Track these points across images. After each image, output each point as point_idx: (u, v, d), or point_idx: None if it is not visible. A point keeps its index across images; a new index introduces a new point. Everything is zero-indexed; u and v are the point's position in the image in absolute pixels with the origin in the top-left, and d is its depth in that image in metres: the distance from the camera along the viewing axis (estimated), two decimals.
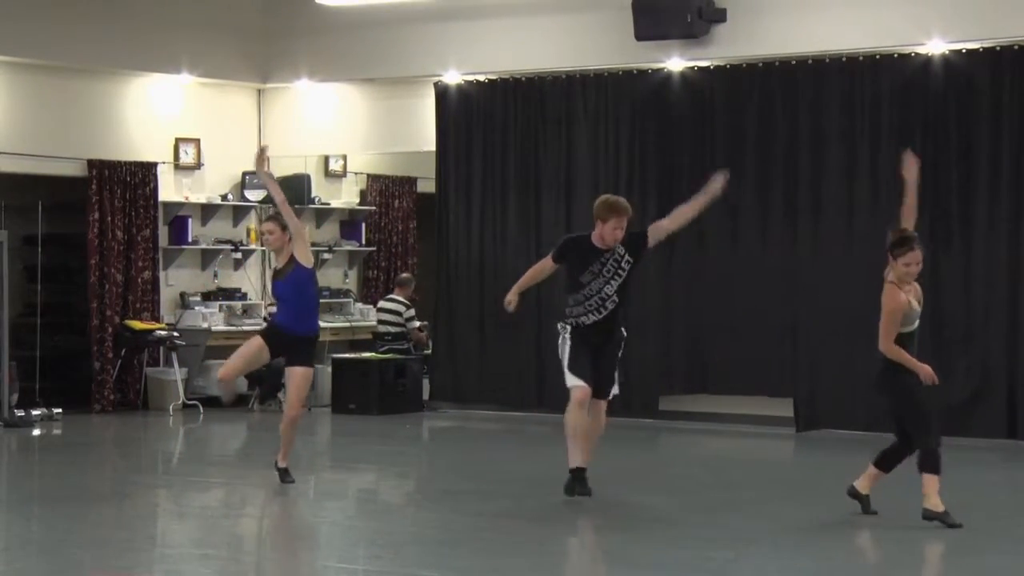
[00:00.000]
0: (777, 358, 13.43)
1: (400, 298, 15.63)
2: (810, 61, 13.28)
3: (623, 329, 9.57)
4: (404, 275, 16.25)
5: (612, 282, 9.29)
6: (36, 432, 13.51)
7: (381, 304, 15.85)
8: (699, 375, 13.88)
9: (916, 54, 12.87)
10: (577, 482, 9.25)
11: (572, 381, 9.25)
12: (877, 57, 13.03)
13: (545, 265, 9.66)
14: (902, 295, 8.37)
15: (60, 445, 13.21)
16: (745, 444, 12.97)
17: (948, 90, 12.80)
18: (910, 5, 12.65)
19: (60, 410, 14.09)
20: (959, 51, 12.70)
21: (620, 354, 9.56)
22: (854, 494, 8.75)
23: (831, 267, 13.17)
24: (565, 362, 9.30)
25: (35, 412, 13.84)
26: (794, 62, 13.34)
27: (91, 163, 14.72)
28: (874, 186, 13.09)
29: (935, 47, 12.73)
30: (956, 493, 8.76)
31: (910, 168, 8.57)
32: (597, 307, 9.31)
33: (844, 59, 13.16)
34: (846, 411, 13.06)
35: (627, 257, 9.35)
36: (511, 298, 9.54)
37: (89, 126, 14.76)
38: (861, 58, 13.09)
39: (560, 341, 9.42)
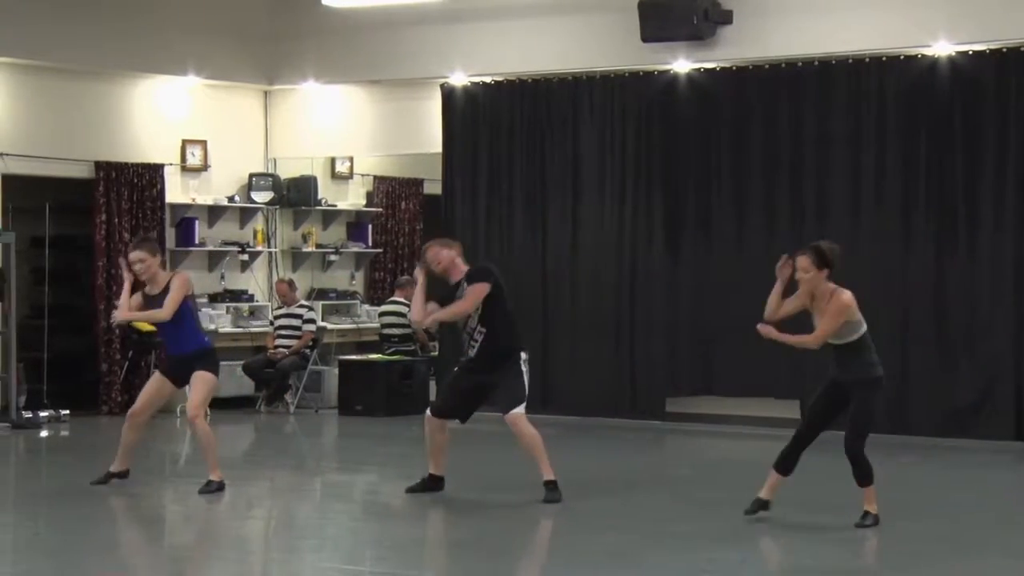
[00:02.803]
0: (784, 360, 13.41)
1: (402, 299, 15.63)
2: (816, 63, 13.28)
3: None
4: (403, 277, 16.26)
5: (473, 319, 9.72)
6: (43, 433, 13.54)
7: (384, 307, 15.85)
8: (705, 377, 13.87)
9: (922, 56, 12.86)
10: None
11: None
12: (883, 59, 13.02)
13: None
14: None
15: (67, 446, 13.24)
16: (751, 446, 12.95)
17: (954, 92, 12.79)
18: (916, 7, 12.65)
19: (67, 412, 14.11)
20: (965, 53, 12.69)
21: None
22: (761, 505, 8.73)
23: (836, 267, 13.12)
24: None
25: (42, 414, 13.86)
26: (800, 64, 13.34)
27: (98, 165, 14.75)
28: (880, 187, 13.09)
29: (941, 49, 12.72)
30: (964, 494, 8.77)
31: (783, 270, 8.65)
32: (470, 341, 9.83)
33: (850, 61, 13.16)
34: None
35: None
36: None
37: (96, 128, 14.79)
38: (867, 60, 13.09)
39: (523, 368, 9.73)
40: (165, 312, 9.68)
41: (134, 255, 9.76)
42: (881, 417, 12.88)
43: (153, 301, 9.77)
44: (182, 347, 9.86)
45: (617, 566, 7.86)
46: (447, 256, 9.72)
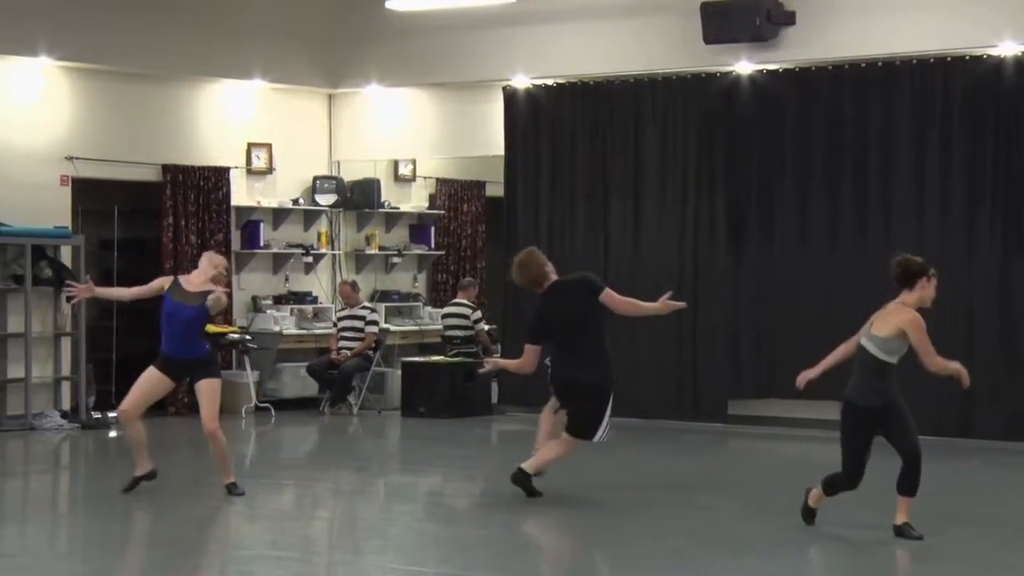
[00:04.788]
0: (846, 362, 13.34)
1: (465, 301, 15.70)
2: (880, 64, 13.20)
3: None
4: (466, 279, 16.34)
5: None
6: (112, 434, 13.72)
7: (447, 309, 15.92)
8: (768, 379, 13.82)
9: (988, 56, 12.75)
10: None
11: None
12: (948, 59, 12.93)
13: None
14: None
15: None
16: (812, 448, 12.89)
17: (1020, 92, 12.67)
18: (981, 7, 12.54)
19: None
20: None
21: None
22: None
23: None
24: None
25: (111, 414, 14.00)
26: (864, 65, 13.27)
27: (165, 168, 14.93)
28: (944, 190, 13.00)
29: (1007, 49, 12.61)
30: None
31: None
32: None
33: (915, 62, 13.07)
34: (915, 415, 12.93)
35: None
36: None
37: (163, 132, 14.98)
38: (932, 60, 13.00)
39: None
40: (127, 294, 10.10)
41: (224, 261, 10.11)
42: (945, 421, 12.89)
43: (187, 297, 9.68)
44: (186, 353, 9.74)
45: (677, 568, 7.87)
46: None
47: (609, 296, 9.60)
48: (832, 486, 8.47)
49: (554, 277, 9.79)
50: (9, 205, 13.69)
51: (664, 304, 9.74)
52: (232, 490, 9.89)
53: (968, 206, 12.96)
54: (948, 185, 12.99)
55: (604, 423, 9.59)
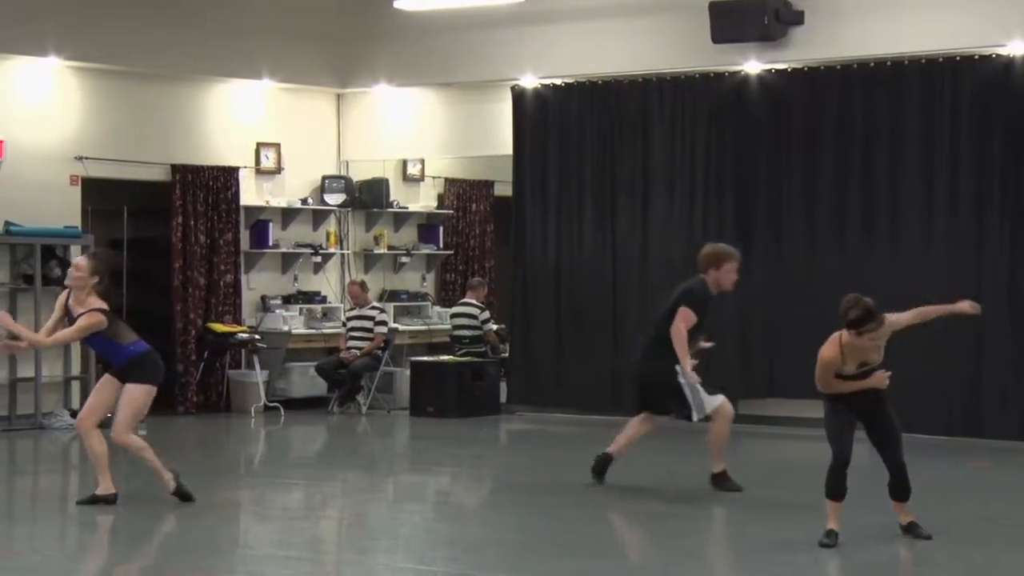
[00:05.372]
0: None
1: (474, 301, 15.72)
2: (888, 63, 13.20)
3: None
4: (475, 278, 16.36)
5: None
6: None
7: (456, 309, 15.94)
8: (777, 379, 13.81)
9: (997, 55, 12.74)
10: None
11: (714, 401, 9.93)
12: (957, 59, 12.92)
13: (690, 321, 9.87)
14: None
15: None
16: (822, 449, 12.89)
17: None
18: (990, 6, 12.53)
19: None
20: None
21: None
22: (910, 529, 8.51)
23: (909, 269, 13.07)
24: (701, 391, 9.83)
25: None
26: (872, 64, 13.27)
27: (174, 168, 14.96)
28: (953, 188, 12.99)
29: (1016, 48, 12.59)
30: None
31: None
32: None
33: (923, 61, 13.06)
34: (925, 415, 12.95)
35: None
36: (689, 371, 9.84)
37: (172, 131, 15.01)
38: (940, 60, 12.99)
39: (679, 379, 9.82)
40: (46, 341, 9.44)
41: (77, 260, 9.48)
42: (955, 420, 12.88)
43: (72, 320, 9.36)
44: (116, 361, 9.53)
45: (689, 568, 7.88)
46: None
47: (681, 313, 9.85)
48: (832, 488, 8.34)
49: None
50: (19, 205, 13.73)
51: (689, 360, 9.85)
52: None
53: (977, 205, 12.95)
54: (956, 184, 12.98)
55: (691, 404, 9.83)
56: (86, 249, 14.16)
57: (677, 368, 9.81)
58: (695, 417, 9.95)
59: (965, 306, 8.41)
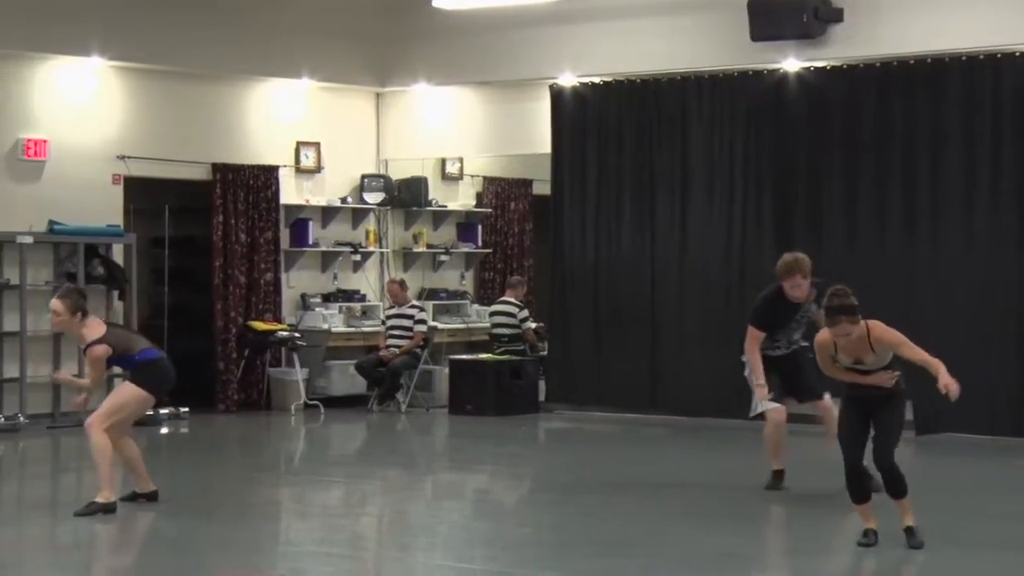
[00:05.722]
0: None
1: (513, 299, 15.76)
2: (929, 60, 13.13)
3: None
4: (515, 277, 16.39)
5: (799, 331, 10.01)
6: (164, 430, 13.86)
7: (494, 307, 15.98)
8: (819, 378, 13.74)
9: None
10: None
11: (767, 405, 9.95)
12: (998, 56, 12.83)
13: (756, 338, 9.89)
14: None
15: (186, 443, 13.54)
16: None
17: None
18: None
19: (187, 409, 14.41)
20: None
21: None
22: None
23: (950, 267, 13.02)
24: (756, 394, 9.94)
25: (163, 411, 14.17)
26: (912, 62, 13.20)
27: (215, 167, 15.06)
28: (994, 187, 12.91)
29: None
30: None
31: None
32: (786, 346, 10.04)
33: (964, 58, 12.98)
34: (967, 414, 12.88)
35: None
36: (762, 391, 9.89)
37: (214, 131, 15.10)
38: (981, 57, 12.90)
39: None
40: (90, 383, 9.33)
41: (52, 304, 9.21)
42: (1001, 420, 12.80)
43: (81, 353, 9.38)
44: (127, 369, 9.56)
45: (726, 567, 7.88)
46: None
47: (748, 332, 9.93)
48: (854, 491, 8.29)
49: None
50: (63, 204, 13.87)
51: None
52: (88, 508, 9.06)
53: (1018, 204, 12.86)
54: (998, 183, 12.89)
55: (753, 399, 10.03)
56: (128, 248, 14.33)
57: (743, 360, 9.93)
58: (749, 414, 10.23)
59: (944, 379, 8.07)
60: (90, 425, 9.20)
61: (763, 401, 9.94)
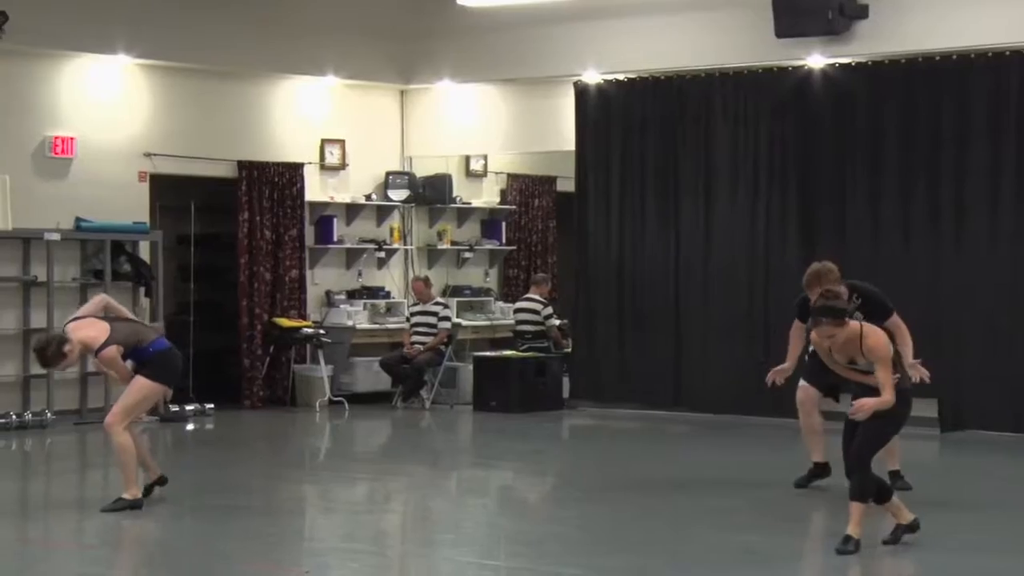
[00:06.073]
0: (921, 357, 13.26)
1: (537, 296, 15.78)
2: (954, 57, 13.09)
3: None
4: (540, 274, 16.41)
5: None
6: (189, 427, 13.94)
7: (519, 304, 16.01)
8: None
9: None
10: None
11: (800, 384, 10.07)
12: None
13: (797, 327, 9.99)
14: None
15: (212, 440, 13.60)
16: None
17: None
18: None
19: (212, 406, 14.48)
20: None
21: None
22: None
23: (975, 265, 12.99)
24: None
25: (188, 408, 14.26)
26: (937, 58, 13.16)
27: (241, 164, 15.12)
28: (1019, 184, 12.86)
29: None
30: None
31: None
32: None
33: (989, 55, 12.94)
34: (992, 411, 12.87)
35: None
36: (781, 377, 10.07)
37: (239, 128, 15.16)
38: (1007, 53, 12.86)
39: None
40: (121, 380, 9.36)
41: (50, 365, 9.23)
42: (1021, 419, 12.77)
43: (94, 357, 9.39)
44: (139, 362, 9.43)
45: (748, 564, 7.88)
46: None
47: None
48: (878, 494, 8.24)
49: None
50: (89, 201, 13.95)
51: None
52: (115, 504, 9.14)
53: None
54: (1022, 180, 12.84)
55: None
56: (154, 245, 14.41)
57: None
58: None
59: (868, 403, 7.87)
60: (110, 425, 9.25)
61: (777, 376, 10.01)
